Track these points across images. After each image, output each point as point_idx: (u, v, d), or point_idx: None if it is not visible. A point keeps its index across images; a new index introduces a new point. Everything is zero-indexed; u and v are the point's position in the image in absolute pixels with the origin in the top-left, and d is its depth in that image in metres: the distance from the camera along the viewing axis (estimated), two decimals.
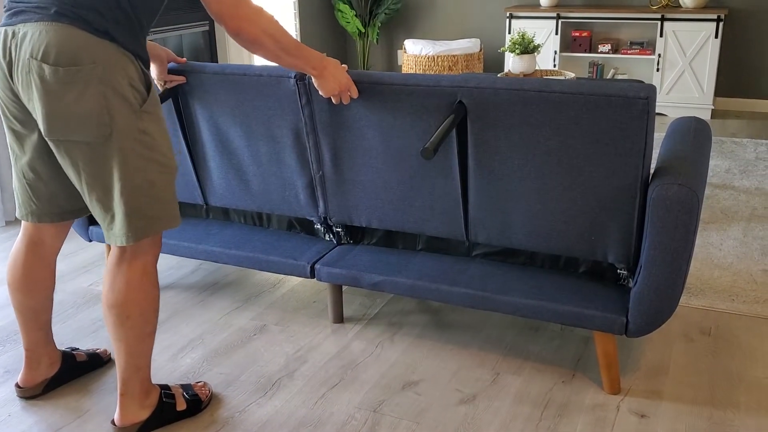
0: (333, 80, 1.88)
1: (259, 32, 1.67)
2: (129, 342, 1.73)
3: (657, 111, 5.15)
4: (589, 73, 5.45)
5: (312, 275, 2.23)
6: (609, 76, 5.39)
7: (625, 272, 1.95)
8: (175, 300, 2.59)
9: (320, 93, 1.92)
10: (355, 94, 1.93)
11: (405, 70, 5.56)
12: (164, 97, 2.22)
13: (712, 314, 2.36)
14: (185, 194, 2.46)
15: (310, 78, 1.98)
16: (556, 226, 1.91)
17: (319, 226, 2.35)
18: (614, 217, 1.83)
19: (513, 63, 3.58)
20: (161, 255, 2.92)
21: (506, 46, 3.65)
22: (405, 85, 1.90)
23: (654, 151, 4.04)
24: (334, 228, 2.31)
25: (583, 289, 1.96)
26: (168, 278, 2.76)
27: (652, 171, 1.85)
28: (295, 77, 2.02)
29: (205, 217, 2.58)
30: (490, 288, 2.00)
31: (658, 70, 5.06)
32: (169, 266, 2.86)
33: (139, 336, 1.74)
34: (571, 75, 3.49)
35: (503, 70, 5.77)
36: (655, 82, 5.09)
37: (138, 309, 1.72)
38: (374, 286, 2.14)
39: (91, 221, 2.54)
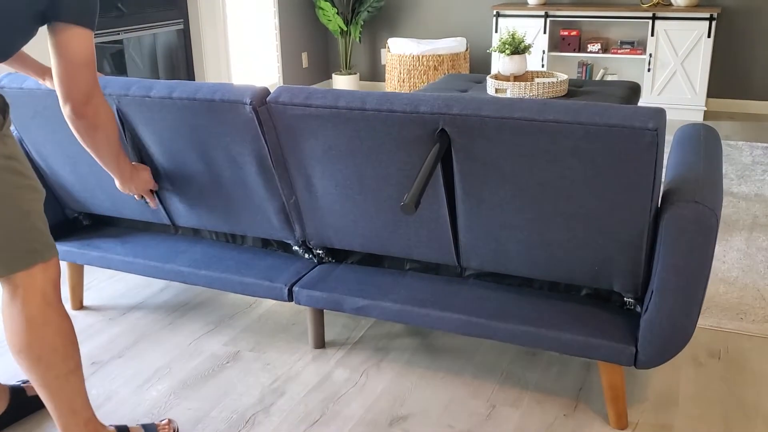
0: (132, 187, 1.96)
1: (100, 123, 1.62)
2: (52, 386, 1.54)
3: None
4: (578, 73, 5.30)
5: (290, 298, 2.04)
6: (599, 77, 5.24)
7: (633, 300, 1.78)
8: (142, 322, 2.39)
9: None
10: (152, 204, 2.08)
11: (389, 69, 5.37)
12: None
13: (721, 335, 2.20)
14: (150, 214, 2.25)
15: (271, 104, 1.79)
16: (556, 256, 1.72)
17: (297, 248, 2.16)
18: (620, 249, 1.64)
19: (503, 64, 3.41)
20: (126, 274, 2.71)
21: (495, 46, 3.48)
22: (378, 111, 1.67)
23: None
24: (314, 250, 2.12)
25: (587, 315, 1.79)
26: (135, 297, 2.56)
27: (662, 186, 1.68)
28: (251, 104, 1.79)
29: (174, 232, 2.38)
30: (485, 313, 1.82)
31: (649, 70, 4.92)
32: (135, 284, 2.66)
33: (60, 376, 1.54)
34: (563, 77, 3.33)
35: (491, 71, 5.61)
36: (646, 82, 4.95)
37: (49, 347, 1.52)
38: (358, 311, 1.95)
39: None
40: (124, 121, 2.01)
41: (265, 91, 1.83)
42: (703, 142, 1.89)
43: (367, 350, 2.18)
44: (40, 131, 2.16)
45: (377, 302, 1.92)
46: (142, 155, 2.08)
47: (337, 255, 2.14)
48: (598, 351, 1.71)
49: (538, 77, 3.49)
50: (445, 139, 1.65)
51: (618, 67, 5.27)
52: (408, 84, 5.27)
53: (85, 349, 2.24)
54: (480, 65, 5.74)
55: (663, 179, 2.47)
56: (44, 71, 1.99)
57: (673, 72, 4.87)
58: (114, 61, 4.20)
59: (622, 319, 1.76)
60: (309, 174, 1.88)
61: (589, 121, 1.51)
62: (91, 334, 2.33)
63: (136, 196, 2.03)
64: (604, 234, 1.65)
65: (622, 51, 5.07)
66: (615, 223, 1.62)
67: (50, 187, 2.36)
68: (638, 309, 1.79)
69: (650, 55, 4.89)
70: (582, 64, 5.27)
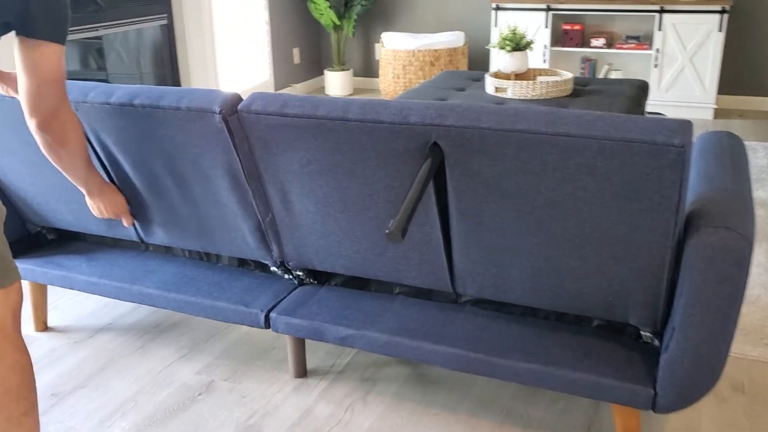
0: (104, 206, 1.87)
1: (67, 138, 1.58)
2: (0, 429, 1.36)
3: (654, 111, 4.80)
4: (581, 69, 5.08)
5: (267, 325, 1.84)
6: (602, 73, 5.03)
7: (650, 334, 1.58)
8: (110, 346, 2.19)
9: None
10: (127, 222, 1.94)
11: (383, 65, 5.16)
12: None
13: (744, 364, 2.00)
14: (120, 230, 2.05)
15: (243, 113, 1.60)
16: (564, 285, 1.52)
17: (275, 269, 1.95)
18: (638, 278, 1.43)
19: (503, 61, 3.20)
20: (90, 295, 2.50)
21: (495, 41, 3.27)
22: (363, 122, 1.47)
23: None
24: (293, 271, 1.92)
25: (598, 350, 1.59)
26: (104, 317, 2.36)
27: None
28: (221, 112, 1.59)
29: (144, 249, 2.17)
30: (484, 347, 1.62)
31: (656, 66, 4.70)
32: (105, 303, 2.45)
33: (12, 419, 1.37)
34: (568, 75, 3.12)
35: (489, 68, 5.39)
36: (653, 78, 4.73)
37: (2, 385, 1.34)
38: (342, 341, 1.75)
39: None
40: (83, 130, 1.81)
41: (237, 99, 1.63)
42: (729, 153, 1.68)
43: (353, 380, 1.98)
44: None
45: (363, 332, 1.72)
46: (105, 167, 1.88)
47: (319, 276, 1.94)
48: (611, 393, 1.51)
49: (540, 75, 3.28)
50: (438, 154, 1.45)
51: (623, 62, 5.06)
52: (403, 80, 5.06)
53: (46, 378, 2.04)
54: (479, 61, 5.52)
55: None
56: (1, 76, 1.80)
57: (681, 68, 4.65)
58: (93, 59, 3.99)
59: (638, 356, 1.56)
60: (286, 190, 1.68)
61: (604, 135, 1.30)
62: (54, 360, 2.13)
63: (105, 215, 1.91)
64: (619, 261, 1.44)
65: (627, 46, 4.85)
66: (632, 249, 1.41)
67: (9, 200, 2.16)
68: (656, 343, 1.59)
69: (657, 50, 4.67)
70: (585, 60, 5.05)
